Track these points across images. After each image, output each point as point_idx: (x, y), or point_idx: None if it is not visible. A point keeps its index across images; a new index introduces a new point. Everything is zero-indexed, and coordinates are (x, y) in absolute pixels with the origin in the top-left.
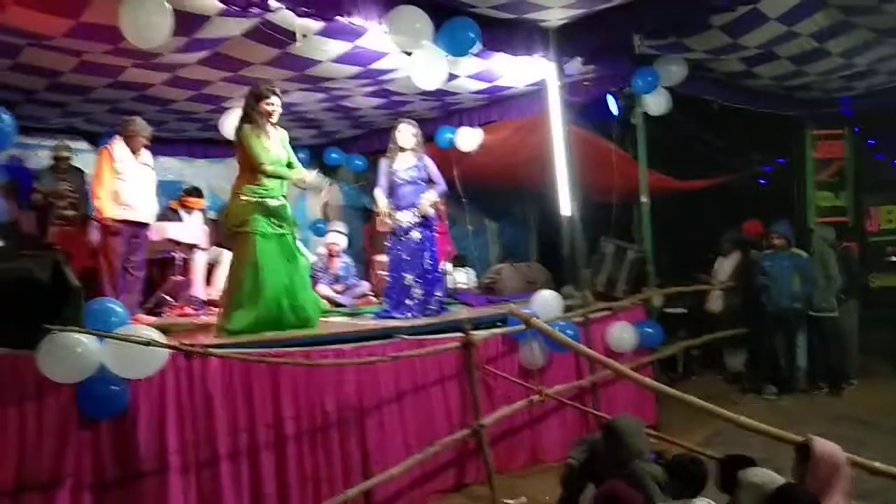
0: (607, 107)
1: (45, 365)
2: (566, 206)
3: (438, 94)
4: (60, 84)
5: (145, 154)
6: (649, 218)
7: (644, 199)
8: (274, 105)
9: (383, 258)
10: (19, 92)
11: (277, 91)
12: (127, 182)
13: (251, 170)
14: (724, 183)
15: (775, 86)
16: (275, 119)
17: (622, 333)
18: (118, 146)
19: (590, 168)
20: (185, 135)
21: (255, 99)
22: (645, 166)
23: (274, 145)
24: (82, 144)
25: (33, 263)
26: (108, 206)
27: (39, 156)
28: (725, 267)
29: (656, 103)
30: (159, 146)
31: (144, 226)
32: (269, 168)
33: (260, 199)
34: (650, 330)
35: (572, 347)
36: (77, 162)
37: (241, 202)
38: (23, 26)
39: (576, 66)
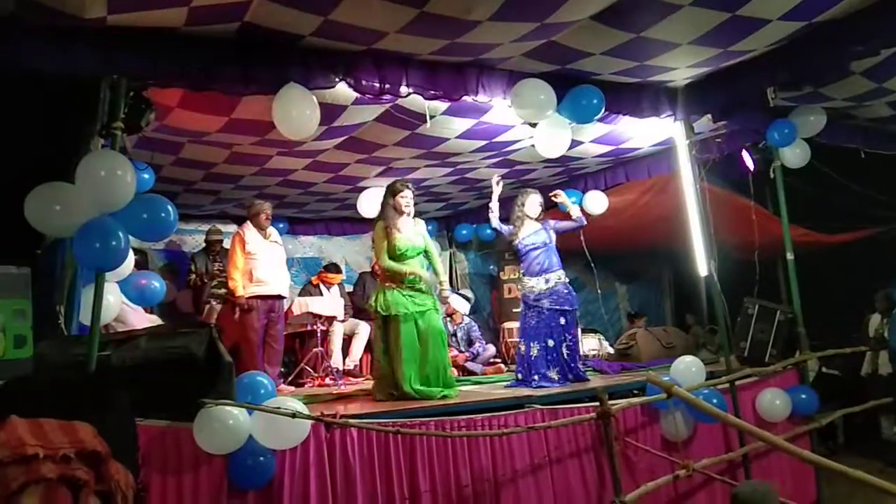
0: (743, 162)
1: (200, 437)
2: (703, 265)
3: (562, 160)
4: (214, 174)
5: (273, 232)
6: (796, 276)
7: (790, 255)
8: (407, 198)
9: (513, 325)
10: (180, 183)
11: (410, 186)
12: (259, 260)
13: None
14: (876, 235)
15: None
16: (409, 213)
17: (774, 401)
18: (248, 229)
19: (727, 226)
20: (324, 214)
21: (390, 194)
22: (786, 221)
23: (406, 236)
24: (232, 227)
25: (190, 340)
26: (242, 284)
27: (195, 239)
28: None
29: (794, 156)
30: (301, 226)
31: (279, 298)
32: (385, 264)
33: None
34: (804, 396)
35: (719, 417)
36: (228, 244)
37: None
38: (184, 126)
39: (706, 122)
